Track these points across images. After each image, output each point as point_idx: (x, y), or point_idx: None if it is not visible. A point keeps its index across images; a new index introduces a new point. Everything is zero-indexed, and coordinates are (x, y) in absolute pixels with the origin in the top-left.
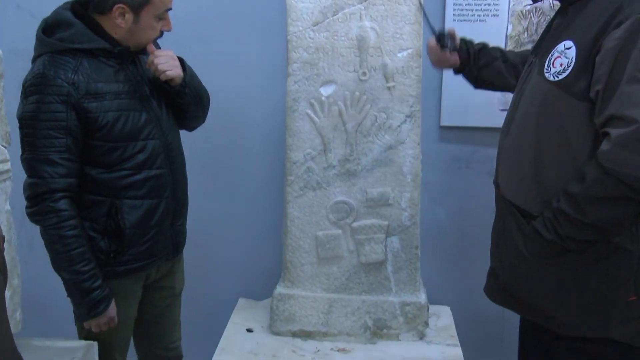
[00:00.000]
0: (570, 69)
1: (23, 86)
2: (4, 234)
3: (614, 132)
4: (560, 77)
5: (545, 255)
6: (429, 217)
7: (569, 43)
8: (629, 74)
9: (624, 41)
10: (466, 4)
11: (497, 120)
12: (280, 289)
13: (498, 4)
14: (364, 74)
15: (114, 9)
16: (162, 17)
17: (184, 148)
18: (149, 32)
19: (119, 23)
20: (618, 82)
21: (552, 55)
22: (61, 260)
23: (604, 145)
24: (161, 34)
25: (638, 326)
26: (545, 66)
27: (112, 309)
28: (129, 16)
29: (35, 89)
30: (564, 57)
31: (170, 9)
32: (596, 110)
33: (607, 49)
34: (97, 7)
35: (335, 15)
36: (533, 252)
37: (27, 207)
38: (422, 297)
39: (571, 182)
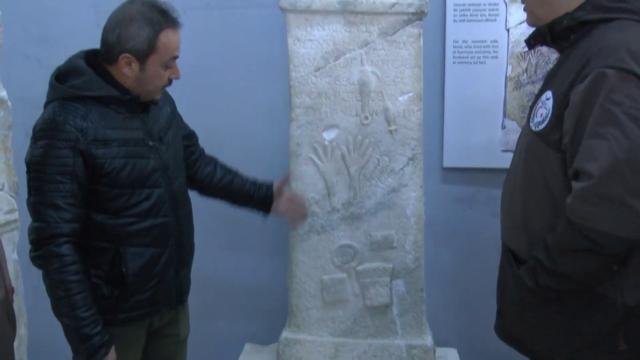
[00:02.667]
0: (547, 120)
1: (33, 131)
2: (11, 283)
3: (576, 185)
4: (540, 127)
5: (531, 301)
6: (434, 259)
7: (549, 94)
8: (590, 128)
9: (586, 95)
10: (465, 47)
11: (499, 161)
12: (286, 334)
13: (497, 46)
14: (366, 118)
15: (120, 58)
16: (168, 65)
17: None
18: (156, 80)
19: (126, 72)
20: (581, 136)
21: (536, 105)
22: (62, 306)
23: (568, 199)
24: (169, 82)
25: None
26: (531, 116)
27: (112, 355)
28: (135, 65)
29: (44, 134)
30: (544, 107)
31: (177, 57)
32: (567, 163)
33: (572, 103)
34: (104, 57)
35: (337, 60)
36: (520, 297)
37: (30, 251)
38: (429, 340)
39: (549, 231)
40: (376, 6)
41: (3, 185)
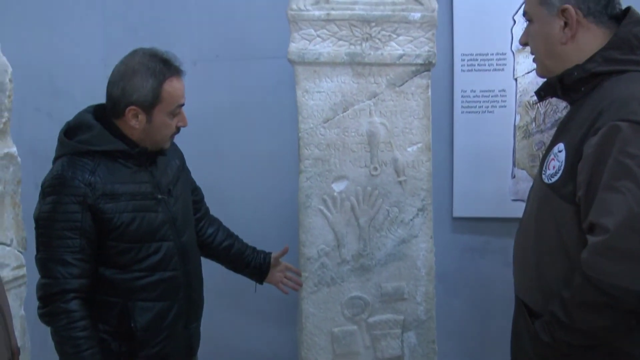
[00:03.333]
0: (560, 172)
1: (41, 187)
2: (17, 340)
3: (591, 239)
4: (553, 179)
5: (547, 356)
6: (445, 310)
7: (561, 146)
8: (605, 181)
9: (600, 148)
10: (474, 96)
11: (510, 210)
12: None
13: (505, 95)
14: (375, 169)
15: (127, 111)
16: (175, 113)
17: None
18: (164, 130)
19: (133, 124)
20: (595, 189)
21: (549, 157)
22: None
23: (584, 253)
24: (177, 130)
25: None
26: (544, 168)
27: None
28: (142, 117)
29: (52, 189)
30: (556, 159)
31: (183, 104)
32: (581, 216)
33: (586, 156)
34: (111, 111)
35: (345, 111)
36: (536, 352)
37: (38, 308)
38: None
39: (564, 285)
40: (384, 58)
41: (12, 241)
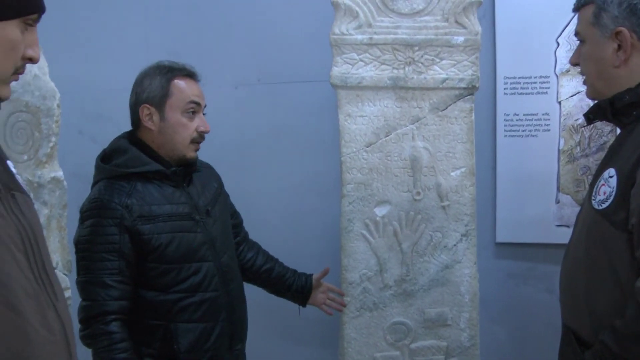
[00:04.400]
0: (612, 198)
1: (80, 212)
2: None
3: None
4: (604, 206)
5: None
6: (488, 337)
7: (612, 171)
8: None
9: None
10: (517, 120)
11: (554, 236)
12: None
13: (549, 119)
14: (418, 193)
15: (141, 112)
16: (189, 111)
17: None
18: (180, 129)
19: (149, 126)
20: None
21: (599, 182)
22: None
23: (638, 282)
24: (200, 135)
25: None
26: (593, 193)
27: None
28: (156, 116)
29: (90, 213)
30: (607, 185)
31: (198, 104)
32: (634, 243)
33: (639, 182)
34: (132, 122)
35: (388, 136)
36: None
37: (80, 330)
38: None
39: (616, 314)
40: (427, 82)
41: (57, 264)
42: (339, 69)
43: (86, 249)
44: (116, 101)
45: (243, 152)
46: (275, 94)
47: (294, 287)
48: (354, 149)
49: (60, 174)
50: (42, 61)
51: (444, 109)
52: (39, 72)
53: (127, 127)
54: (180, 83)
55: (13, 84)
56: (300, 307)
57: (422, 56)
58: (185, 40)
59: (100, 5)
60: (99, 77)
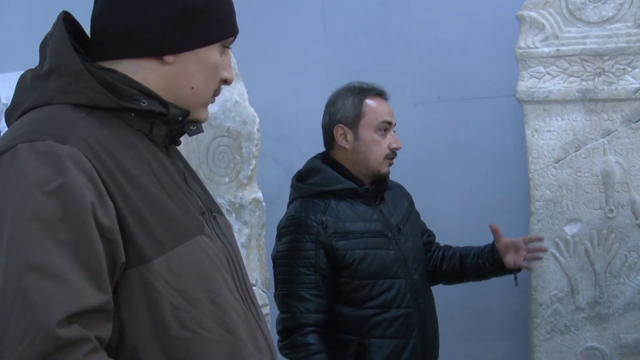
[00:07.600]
0: None
1: (277, 229)
2: None
3: None
4: None
5: None
6: None
7: None
8: None
9: None
10: None
11: None
12: None
13: None
14: (611, 210)
15: (335, 132)
16: (381, 129)
17: None
18: (374, 147)
19: (343, 145)
20: None
21: None
22: None
23: None
24: (393, 152)
25: None
26: None
27: None
28: (350, 136)
29: (287, 230)
30: None
31: (391, 123)
32: None
33: None
34: (325, 142)
35: (578, 150)
36: None
37: (278, 342)
38: None
39: None
40: (618, 92)
41: (257, 281)
42: (525, 84)
43: (284, 264)
44: (297, 124)
45: (427, 169)
46: (454, 111)
47: (484, 259)
48: (542, 165)
49: (259, 194)
50: (242, 87)
51: (637, 121)
52: (239, 99)
53: (308, 148)
54: (371, 102)
55: (215, 110)
56: (515, 275)
57: (612, 66)
58: (364, 60)
59: (279, 30)
60: (281, 101)
